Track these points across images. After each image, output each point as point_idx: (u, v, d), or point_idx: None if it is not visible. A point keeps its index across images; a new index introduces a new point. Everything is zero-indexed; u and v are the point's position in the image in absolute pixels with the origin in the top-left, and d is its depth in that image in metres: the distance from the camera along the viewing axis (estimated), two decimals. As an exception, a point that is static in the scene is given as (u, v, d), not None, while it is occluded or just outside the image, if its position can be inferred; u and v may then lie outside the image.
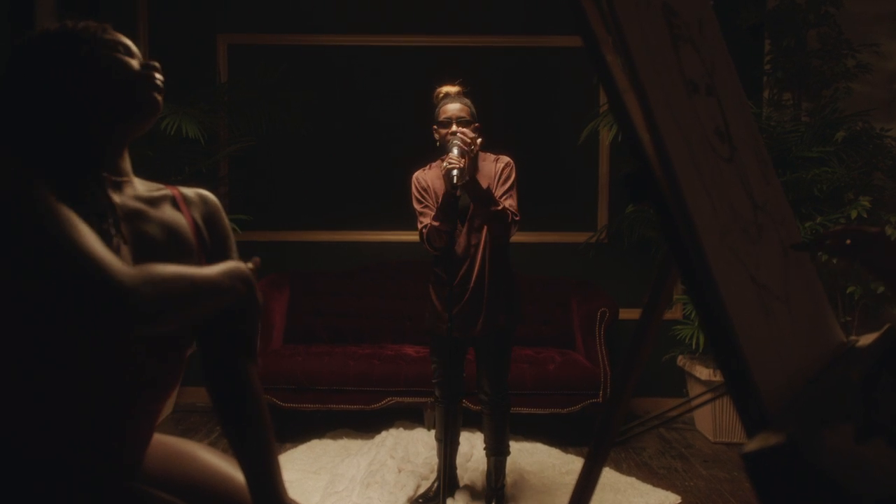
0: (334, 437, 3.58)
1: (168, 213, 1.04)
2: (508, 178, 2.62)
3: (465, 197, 2.59)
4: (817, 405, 0.78)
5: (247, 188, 4.13)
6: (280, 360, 3.54)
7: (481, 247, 2.61)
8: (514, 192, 2.61)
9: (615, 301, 3.65)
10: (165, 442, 1.11)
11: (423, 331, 2.82)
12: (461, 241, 2.60)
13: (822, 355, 1.00)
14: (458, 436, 2.86)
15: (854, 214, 3.27)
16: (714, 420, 3.69)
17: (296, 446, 3.47)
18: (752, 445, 0.68)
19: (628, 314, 4.01)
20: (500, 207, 2.50)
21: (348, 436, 3.61)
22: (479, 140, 2.59)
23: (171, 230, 1.01)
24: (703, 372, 3.66)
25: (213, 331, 1.07)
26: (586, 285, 3.95)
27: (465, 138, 2.43)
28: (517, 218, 2.58)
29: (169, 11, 4.09)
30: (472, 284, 2.60)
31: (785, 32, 3.70)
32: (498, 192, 2.58)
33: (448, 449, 2.78)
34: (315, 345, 3.78)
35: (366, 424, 3.68)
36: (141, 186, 1.05)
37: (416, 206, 2.65)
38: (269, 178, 4.15)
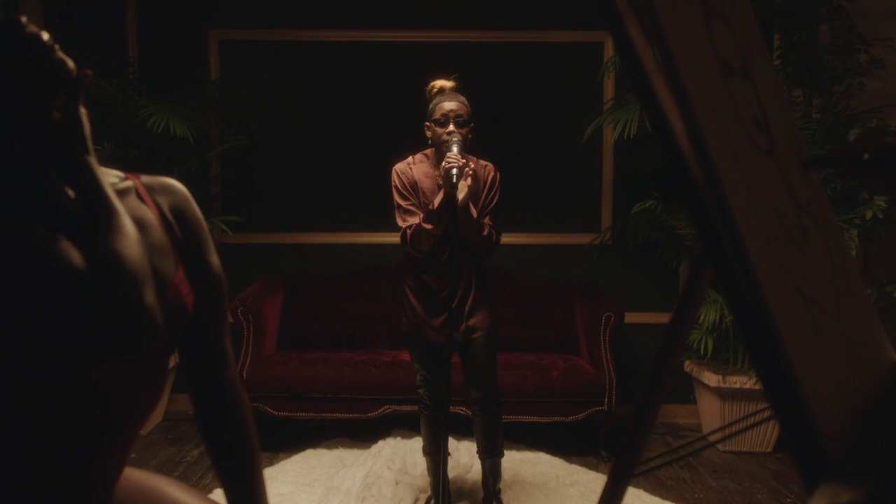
0: (329, 447, 3.46)
1: (132, 205, 0.89)
2: (497, 193, 2.55)
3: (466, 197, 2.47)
4: (887, 446, 0.65)
5: (239, 188, 4.00)
6: (273, 367, 3.41)
7: (465, 255, 2.53)
8: (497, 209, 2.55)
9: (620, 305, 3.52)
10: (130, 477, 0.98)
11: (402, 335, 2.72)
12: (448, 248, 2.50)
13: (876, 378, 0.87)
14: (447, 446, 2.73)
15: (869, 215, 3.15)
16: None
17: (289, 456, 3.34)
18: (820, 502, 0.55)
19: (634, 318, 3.89)
20: (486, 232, 2.46)
21: (344, 445, 3.48)
22: (469, 136, 2.50)
23: (142, 228, 0.87)
24: (711, 378, 3.54)
25: (195, 340, 0.96)
26: (590, 289, 3.82)
27: (460, 164, 2.31)
28: (499, 238, 2.55)
29: (158, 5, 3.96)
30: (460, 293, 2.54)
31: (795, 26, 3.57)
32: (482, 205, 2.51)
33: (442, 461, 2.66)
34: (309, 351, 3.65)
35: (362, 434, 3.55)
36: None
37: (401, 202, 2.53)
38: (262, 178, 4.02)
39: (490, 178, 2.55)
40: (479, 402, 2.65)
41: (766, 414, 0.96)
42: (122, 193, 0.89)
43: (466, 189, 2.35)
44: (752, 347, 0.71)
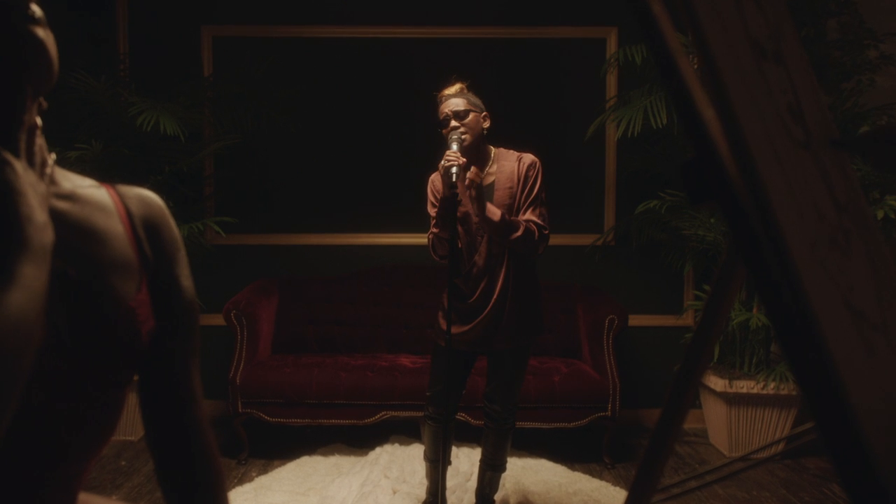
0: (325, 455, 3.36)
1: (98, 217, 0.79)
2: (535, 184, 2.36)
3: (482, 200, 2.37)
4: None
5: (232, 189, 3.90)
6: (267, 372, 3.31)
7: (505, 258, 2.37)
8: (540, 201, 2.37)
9: (624, 308, 3.43)
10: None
11: (430, 338, 2.61)
12: (482, 251, 2.38)
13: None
14: (449, 454, 2.64)
15: (880, 215, 3.05)
16: (730, 433, 3.47)
17: (284, 464, 3.25)
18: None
19: (638, 321, 3.81)
20: (520, 232, 2.26)
21: (340, 452, 3.39)
22: (486, 126, 2.39)
23: (100, 240, 0.77)
24: (717, 383, 3.44)
25: (157, 375, 0.84)
26: (593, 291, 3.73)
27: (459, 162, 2.19)
28: (546, 231, 2.33)
29: (151, 1, 3.86)
30: (493, 300, 2.37)
31: (803, 21, 3.48)
32: (522, 200, 2.35)
33: (441, 470, 2.57)
34: (305, 355, 3.56)
35: (359, 440, 3.46)
36: (63, 180, 0.80)
37: (429, 211, 2.45)
38: (257, 177, 3.92)
39: (524, 171, 2.36)
40: (497, 418, 2.53)
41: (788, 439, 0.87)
42: (81, 201, 0.78)
43: (467, 196, 2.22)
44: (797, 366, 0.62)
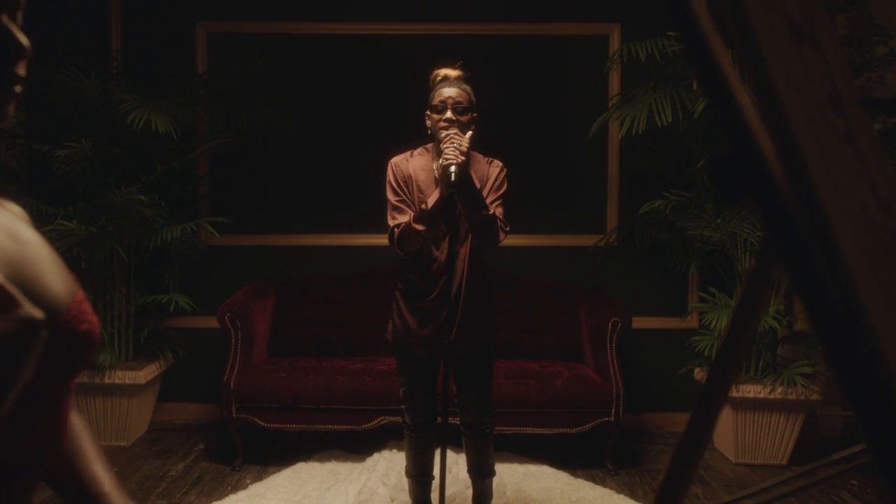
0: (322, 460, 3.28)
1: (16, 225, 0.74)
2: (501, 185, 2.36)
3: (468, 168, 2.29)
4: None
5: (227, 188, 3.82)
6: (262, 377, 3.24)
7: (462, 256, 2.33)
8: (502, 201, 2.36)
9: (627, 310, 3.35)
10: None
11: (386, 345, 2.53)
12: (444, 248, 2.31)
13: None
14: (432, 468, 2.55)
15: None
16: (736, 439, 3.40)
17: (279, 471, 3.17)
18: None
19: (641, 324, 3.72)
20: (490, 212, 2.23)
21: (337, 459, 3.31)
22: (470, 133, 2.28)
23: (33, 247, 0.73)
24: (723, 387, 3.36)
25: None
26: (595, 293, 3.65)
27: (459, 161, 2.11)
28: (506, 229, 2.32)
29: (144, -3, 3.79)
30: (451, 297, 2.31)
31: (811, 17, 3.41)
32: (489, 199, 2.30)
33: (423, 484, 2.50)
34: (301, 359, 3.48)
35: (356, 446, 3.38)
36: None
37: (391, 199, 2.35)
38: (252, 177, 3.84)
39: (495, 172, 2.35)
40: (473, 425, 2.48)
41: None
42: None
43: (456, 166, 2.11)
44: (850, 384, 0.54)
